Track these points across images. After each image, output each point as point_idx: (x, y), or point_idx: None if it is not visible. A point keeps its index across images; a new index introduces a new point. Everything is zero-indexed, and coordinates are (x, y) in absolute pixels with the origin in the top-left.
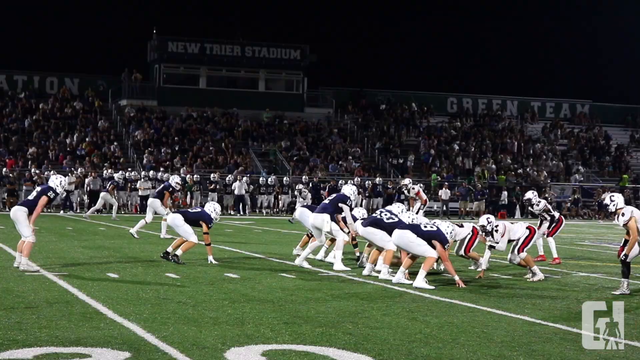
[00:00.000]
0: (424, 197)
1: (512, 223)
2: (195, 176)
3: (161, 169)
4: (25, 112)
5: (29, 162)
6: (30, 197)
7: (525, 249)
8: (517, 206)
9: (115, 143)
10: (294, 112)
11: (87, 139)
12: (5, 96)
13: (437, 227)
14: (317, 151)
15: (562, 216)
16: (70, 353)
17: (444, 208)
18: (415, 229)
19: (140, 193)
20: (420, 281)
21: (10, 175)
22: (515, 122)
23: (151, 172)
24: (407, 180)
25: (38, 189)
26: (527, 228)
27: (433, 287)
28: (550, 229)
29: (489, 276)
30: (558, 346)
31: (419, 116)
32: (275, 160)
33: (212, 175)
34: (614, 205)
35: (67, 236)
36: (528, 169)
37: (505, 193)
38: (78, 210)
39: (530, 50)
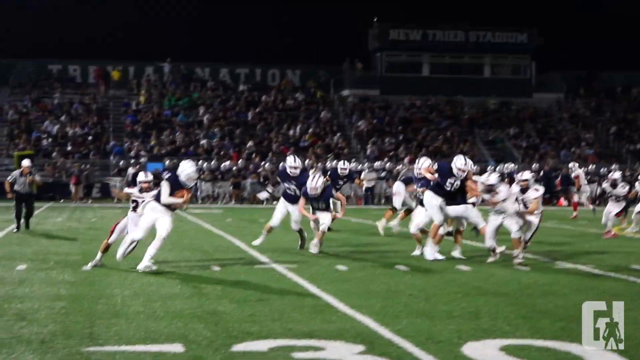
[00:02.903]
0: (581, 182)
1: None
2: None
3: (385, 159)
4: (248, 104)
5: (253, 155)
6: None
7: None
8: None
9: (338, 134)
10: (522, 98)
11: (309, 130)
12: (229, 89)
13: None
14: (547, 138)
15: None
16: (304, 346)
17: None
18: None
19: (365, 184)
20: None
21: (234, 168)
22: None
23: (376, 163)
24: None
25: None
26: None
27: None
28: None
29: None
30: None
31: None
32: (503, 148)
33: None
34: None
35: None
36: None
37: None
38: None
39: None
